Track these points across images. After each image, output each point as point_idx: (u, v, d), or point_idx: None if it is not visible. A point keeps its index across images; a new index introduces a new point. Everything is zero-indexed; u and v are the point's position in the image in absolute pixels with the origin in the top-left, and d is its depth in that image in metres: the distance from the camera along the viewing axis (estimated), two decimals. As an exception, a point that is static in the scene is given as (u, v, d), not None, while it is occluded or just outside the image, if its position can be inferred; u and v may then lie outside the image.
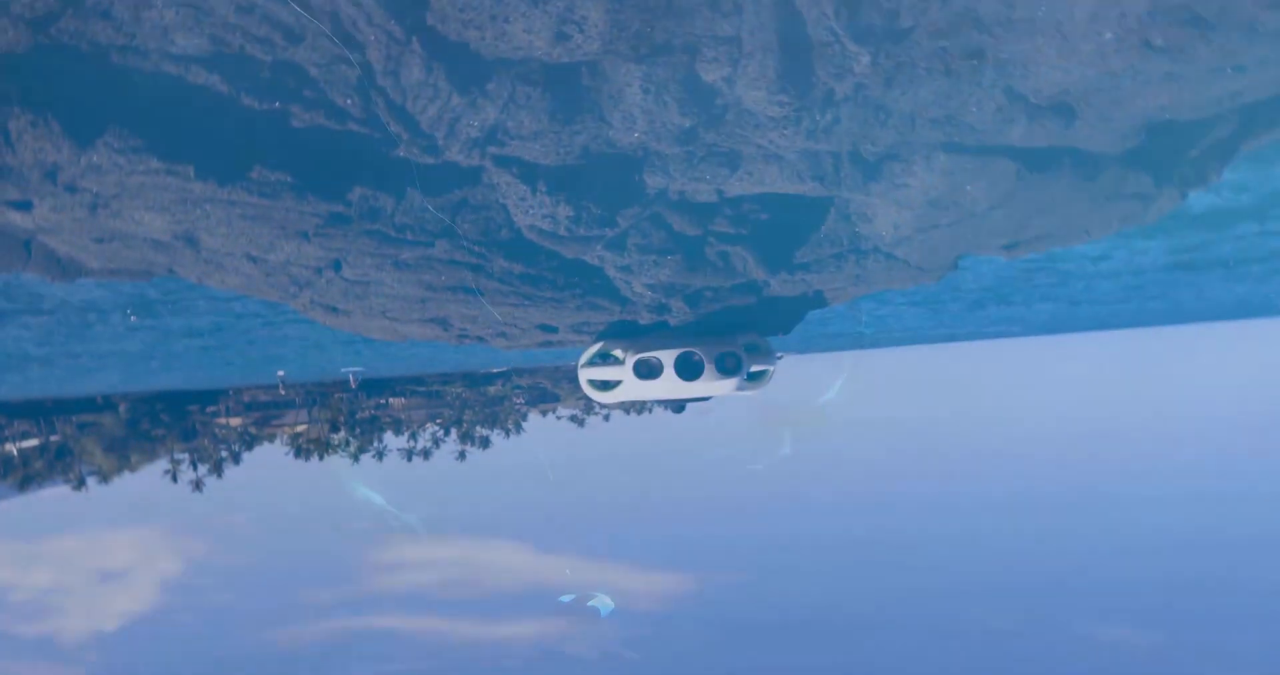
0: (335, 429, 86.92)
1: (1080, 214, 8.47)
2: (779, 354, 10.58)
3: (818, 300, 10.04)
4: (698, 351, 9.45)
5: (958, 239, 8.69)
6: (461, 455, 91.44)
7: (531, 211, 7.14)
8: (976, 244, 9.10)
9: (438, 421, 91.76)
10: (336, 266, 7.74)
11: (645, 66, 6.01)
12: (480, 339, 10.05)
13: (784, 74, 6.02)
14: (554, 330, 9.72)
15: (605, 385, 9.93)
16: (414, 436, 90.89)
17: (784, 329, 10.98)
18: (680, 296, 8.85)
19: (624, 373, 9.61)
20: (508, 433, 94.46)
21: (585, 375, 9.98)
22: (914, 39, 6.13)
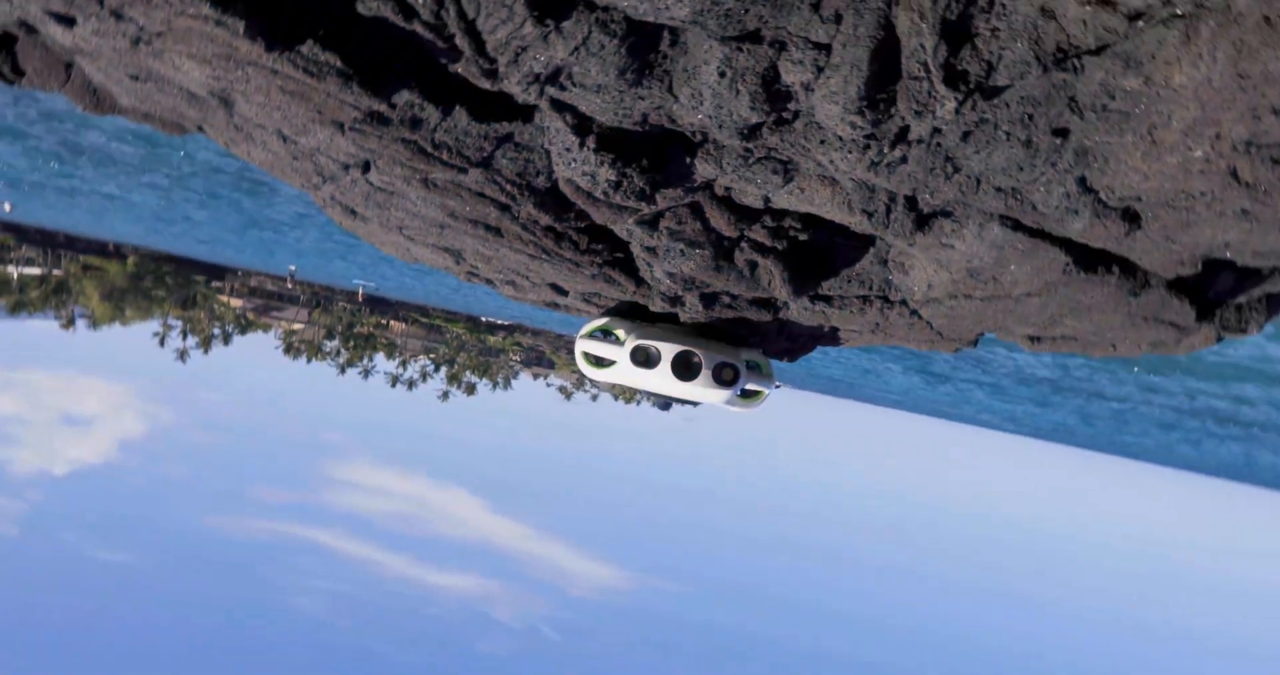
0: (330, 336, 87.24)
1: (1113, 326, 8.25)
2: (778, 383, 10.48)
3: (831, 337, 9.92)
4: (698, 353, 9.34)
5: (986, 316, 8.48)
6: (445, 395, 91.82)
7: (574, 165, 6.92)
8: (1003, 327, 8.86)
9: (431, 356, 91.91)
10: (365, 167, 7.55)
11: (728, 49, 5.79)
12: (489, 282, 9.91)
13: (865, 96, 5.78)
14: (564, 293, 9.59)
15: (600, 362, 9.80)
16: (405, 365, 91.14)
17: (790, 356, 10.85)
18: (697, 293, 8.68)
19: (621, 354, 9.48)
20: (495, 385, 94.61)
21: (582, 347, 9.75)
22: (1004, 99, 5.89)
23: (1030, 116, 6.03)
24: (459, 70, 6.39)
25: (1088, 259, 7.32)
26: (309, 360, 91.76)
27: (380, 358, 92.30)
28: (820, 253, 8.16)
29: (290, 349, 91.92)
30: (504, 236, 8.03)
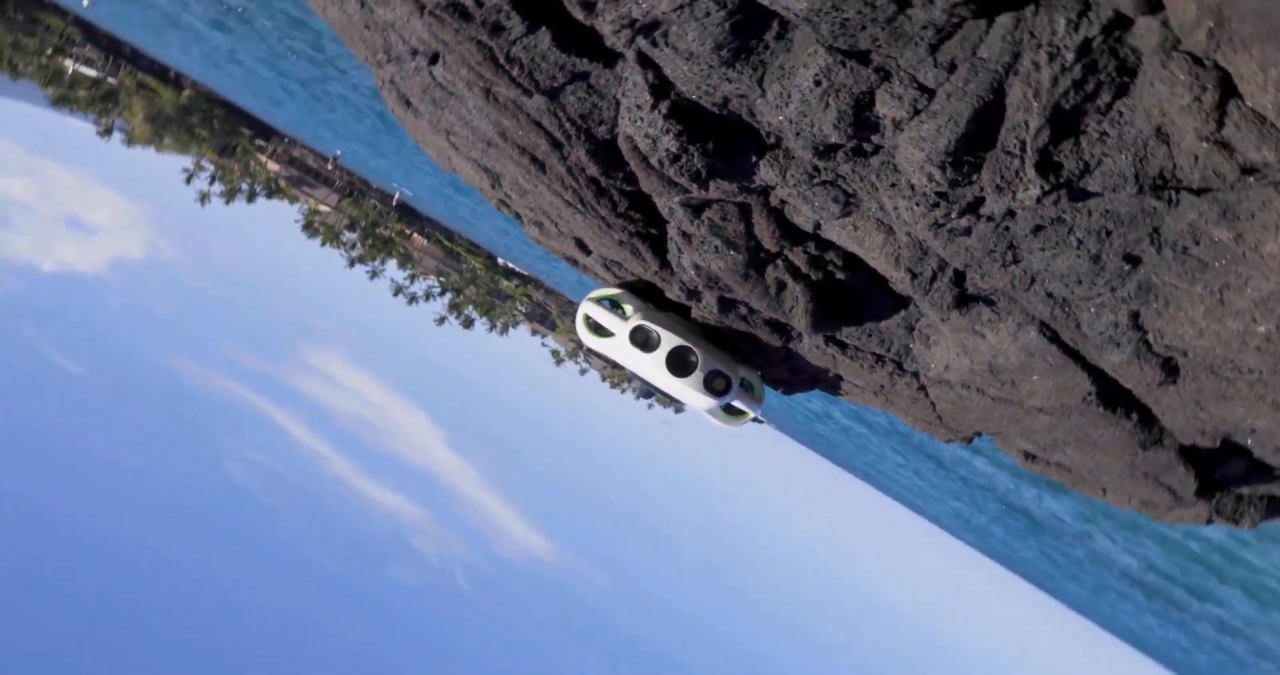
0: (352, 228, 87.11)
1: (1111, 471, 8.01)
2: (759, 416, 10.37)
3: (832, 384, 9.68)
4: (697, 353, 9.14)
5: (991, 417, 8.18)
6: (441, 321, 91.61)
7: (639, 124, 6.58)
8: (1004, 434, 8.62)
9: (441, 279, 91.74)
10: (433, 59, 7.24)
11: (832, 59, 5.44)
12: (518, 216, 9.66)
13: (952, 153, 5.43)
14: (586, 251, 9.32)
15: (599, 330, 9.56)
16: (413, 279, 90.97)
17: (786, 388, 10.58)
18: (717, 294, 8.35)
19: (622, 329, 9.29)
20: (492, 328, 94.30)
21: (587, 310, 9.52)
22: (1089, 206, 5.57)
23: (1108, 232, 5.70)
24: (558, -8, 6.05)
25: (1111, 396, 7.04)
26: (323, 244, 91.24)
27: (392, 264, 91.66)
28: (852, 297, 7.82)
29: (309, 227, 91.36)
30: (547, 174, 7.70)
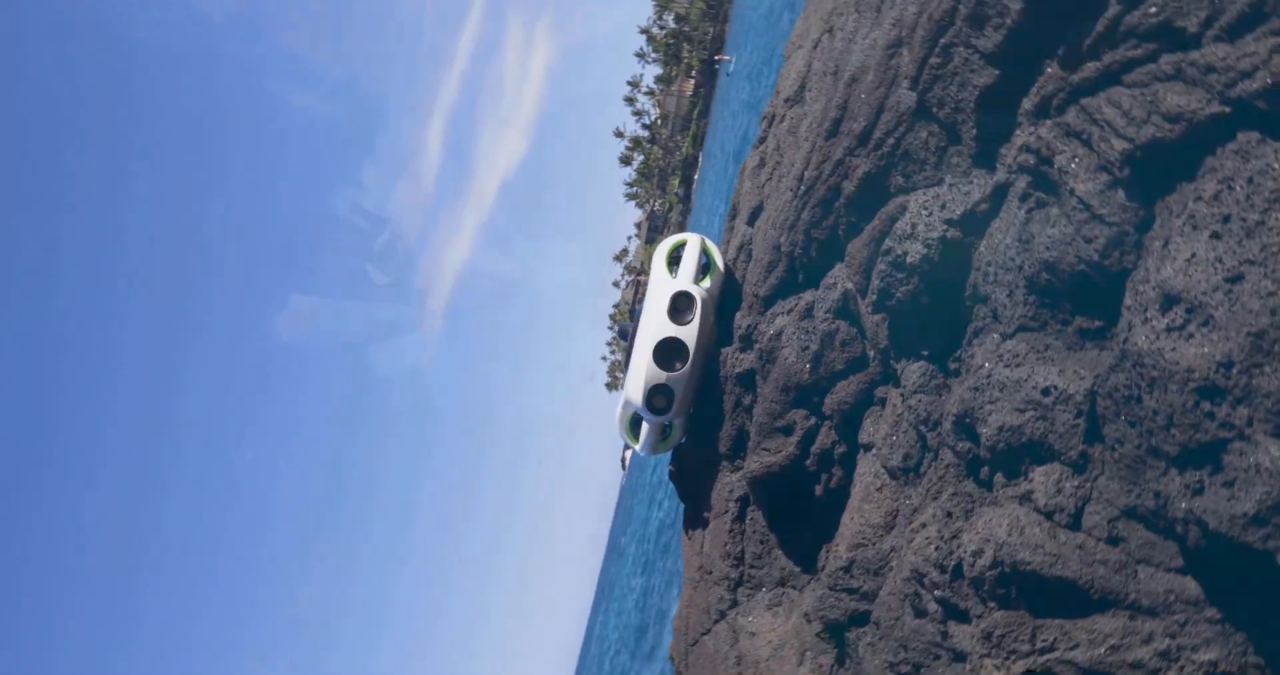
0: (677, 21, 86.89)
1: None
2: (625, 466, 10.98)
3: (695, 519, 9.35)
4: (686, 367, 8.82)
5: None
6: (619, 134, 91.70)
7: (923, 212, 5.62)
8: None
9: (659, 120, 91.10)
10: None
11: (1078, 397, 4.34)
12: (763, 138, 8.90)
13: (991, 587, 4.42)
14: (750, 222, 8.61)
15: (675, 260, 9.44)
16: (650, 95, 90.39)
17: (676, 472, 10.08)
18: (751, 364, 7.73)
19: (684, 283, 9.03)
20: (628, 188, 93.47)
21: (690, 239, 9.46)
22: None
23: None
24: (1047, 71, 4.82)
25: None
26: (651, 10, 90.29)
27: (653, 72, 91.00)
28: (801, 509, 7.08)
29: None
30: (827, 143, 6.70)
